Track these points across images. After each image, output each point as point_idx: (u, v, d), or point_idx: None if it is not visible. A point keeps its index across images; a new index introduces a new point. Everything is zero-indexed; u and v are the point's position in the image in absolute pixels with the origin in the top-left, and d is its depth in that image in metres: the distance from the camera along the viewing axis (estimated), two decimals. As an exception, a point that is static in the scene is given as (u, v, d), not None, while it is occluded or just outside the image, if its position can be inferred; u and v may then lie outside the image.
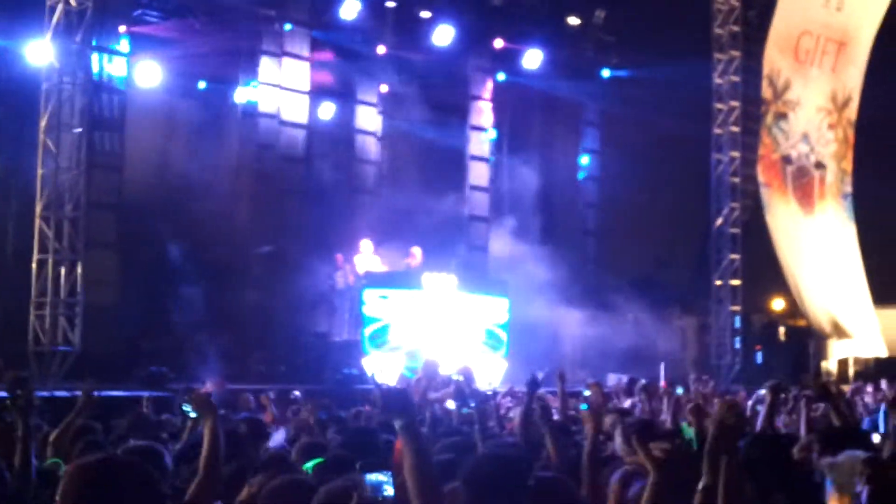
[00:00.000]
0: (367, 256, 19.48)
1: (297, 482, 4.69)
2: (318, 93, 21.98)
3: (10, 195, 17.97)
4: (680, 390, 15.53)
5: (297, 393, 13.66)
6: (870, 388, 14.59)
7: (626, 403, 12.68)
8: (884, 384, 14.72)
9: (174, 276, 17.97)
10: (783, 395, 11.63)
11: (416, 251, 19.49)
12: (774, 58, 23.63)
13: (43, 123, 16.30)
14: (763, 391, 12.88)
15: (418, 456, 3.74)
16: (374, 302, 18.48)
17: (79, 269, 16.12)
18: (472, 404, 10.98)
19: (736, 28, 23.73)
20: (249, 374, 17.39)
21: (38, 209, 16.12)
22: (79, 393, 7.98)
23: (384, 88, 23.08)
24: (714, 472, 3.68)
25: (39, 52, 16.98)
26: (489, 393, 13.19)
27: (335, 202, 21.22)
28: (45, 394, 12.65)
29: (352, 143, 22.65)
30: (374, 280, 18.82)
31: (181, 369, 15.81)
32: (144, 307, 17.79)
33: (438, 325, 18.82)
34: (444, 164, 23.19)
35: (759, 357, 22.64)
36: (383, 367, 17.40)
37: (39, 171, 16.22)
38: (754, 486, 4.51)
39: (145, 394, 12.83)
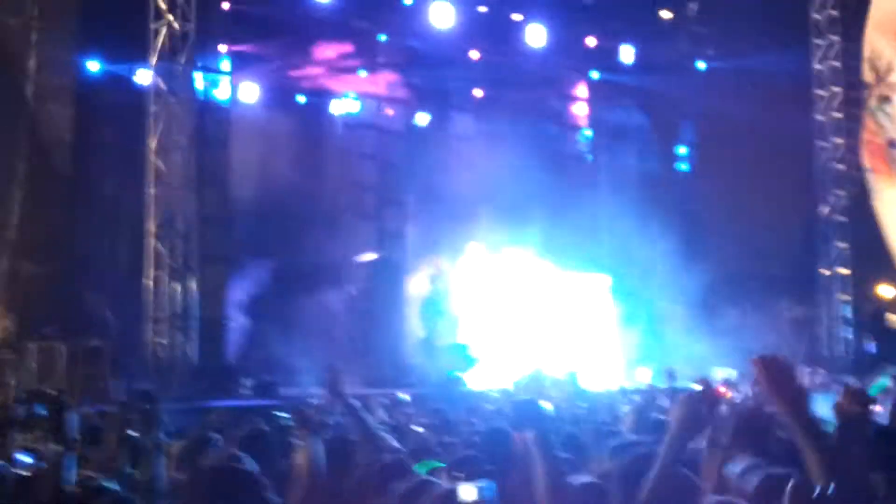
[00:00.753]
0: (475, 260, 19.70)
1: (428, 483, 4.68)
2: (414, 101, 22.24)
3: (120, 216, 18.57)
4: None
5: (405, 396, 13.85)
6: None
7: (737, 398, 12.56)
8: None
9: (283, 287, 18.38)
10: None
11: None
12: (875, 40, 22.92)
13: (153, 144, 16.86)
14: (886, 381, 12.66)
15: (549, 465, 3.87)
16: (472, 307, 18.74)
17: (193, 285, 16.66)
18: (585, 405, 11.07)
19: (834, 12, 23.24)
20: (357, 379, 17.70)
21: (151, 228, 16.68)
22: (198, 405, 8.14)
23: (478, 93, 23.21)
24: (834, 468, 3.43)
25: (146, 75, 17.57)
26: (602, 392, 13.27)
27: (436, 208, 21.43)
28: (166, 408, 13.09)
29: (450, 150, 22.83)
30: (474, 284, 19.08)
31: (292, 377, 16.21)
32: (256, 318, 18.23)
33: (540, 315, 18.87)
34: (544, 165, 23.20)
35: (871, 346, 22.12)
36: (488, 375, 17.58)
37: (151, 191, 16.77)
38: (886, 483, 4.41)
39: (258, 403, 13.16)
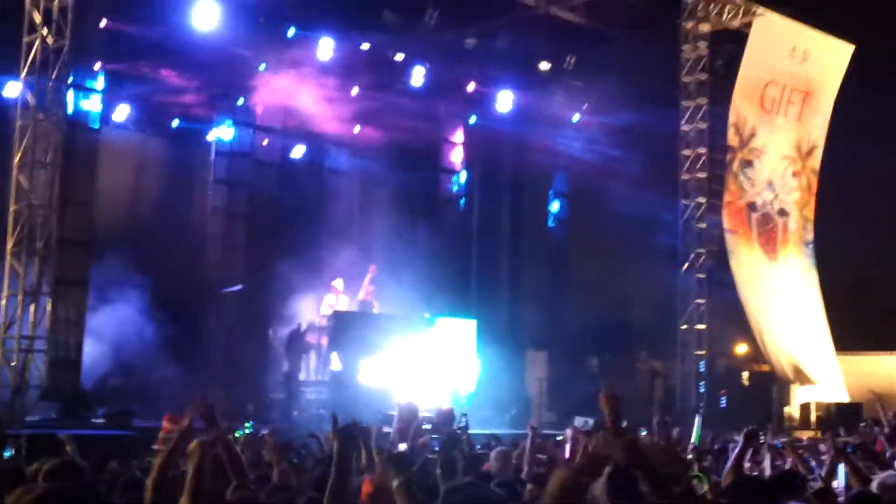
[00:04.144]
0: (338, 296, 19.64)
1: None
2: (290, 133, 22.11)
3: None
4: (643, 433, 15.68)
5: (265, 432, 13.66)
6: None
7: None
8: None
9: (143, 314, 17.97)
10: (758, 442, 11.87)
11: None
12: (741, 106, 24.01)
13: (17, 160, 16.36)
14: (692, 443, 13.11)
15: None
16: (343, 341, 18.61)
17: (47, 307, 16.15)
18: (436, 444, 11.10)
19: (703, 76, 24.12)
20: (217, 413, 17.36)
21: (9, 245, 16.15)
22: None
23: (356, 129, 23.25)
24: None
25: (14, 88, 17.07)
26: (459, 432, 13.31)
27: (305, 242, 21.32)
28: (12, 431, 12.66)
29: (323, 184, 22.77)
30: (342, 320, 18.96)
31: (148, 408, 15.82)
32: (113, 344, 17.76)
33: (410, 359, 18.93)
34: (416, 205, 23.36)
35: (722, 401, 22.86)
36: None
37: (12, 208, 16.26)
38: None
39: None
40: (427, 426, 14.18)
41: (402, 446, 11.64)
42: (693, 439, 10.27)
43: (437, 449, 10.72)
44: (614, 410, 5.28)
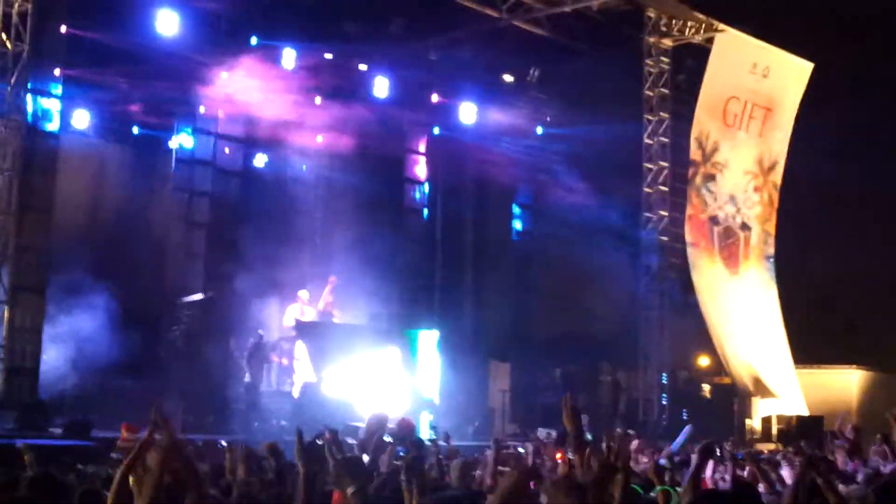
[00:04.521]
0: (304, 307, 19.51)
1: None
2: (252, 142, 21.95)
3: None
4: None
5: (223, 443, 13.55)
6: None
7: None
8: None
9: (102, 322, 17.72)
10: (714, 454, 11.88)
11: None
12: (703, 121, 24.18)
13: (-27, 166, 16.14)
14: (671, 448, 13.12)
15: None
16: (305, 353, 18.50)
17: (5, 314, 15.89)
18: (402, 453, 11.04)
19: (666, 91, 24.27)
20: (177, 423, 17.16)
21: (-35, 252, 15.91)
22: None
23: (320, 139, 23.16)
24: None
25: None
26: (428, 442, 13.25)
27: (267, 251, 21.15)
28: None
29: (286, 193, 22.63)
30: (304, 330, 18.82)
31: (107, 417, 15.57)
32: (71, 353, 17.49)
33: (374, 370, 18.85)
34: (379, 215, 23.27)
35: (684, 413, 22.95)
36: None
37: (-32, 214, 16.02)
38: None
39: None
40: (388, 439, 14.10)
41: (366, 458, 11.55)
42: (673, 445, 10.26)
43: (401, 454, 10.65)
44: (574, 423, 5.24)
